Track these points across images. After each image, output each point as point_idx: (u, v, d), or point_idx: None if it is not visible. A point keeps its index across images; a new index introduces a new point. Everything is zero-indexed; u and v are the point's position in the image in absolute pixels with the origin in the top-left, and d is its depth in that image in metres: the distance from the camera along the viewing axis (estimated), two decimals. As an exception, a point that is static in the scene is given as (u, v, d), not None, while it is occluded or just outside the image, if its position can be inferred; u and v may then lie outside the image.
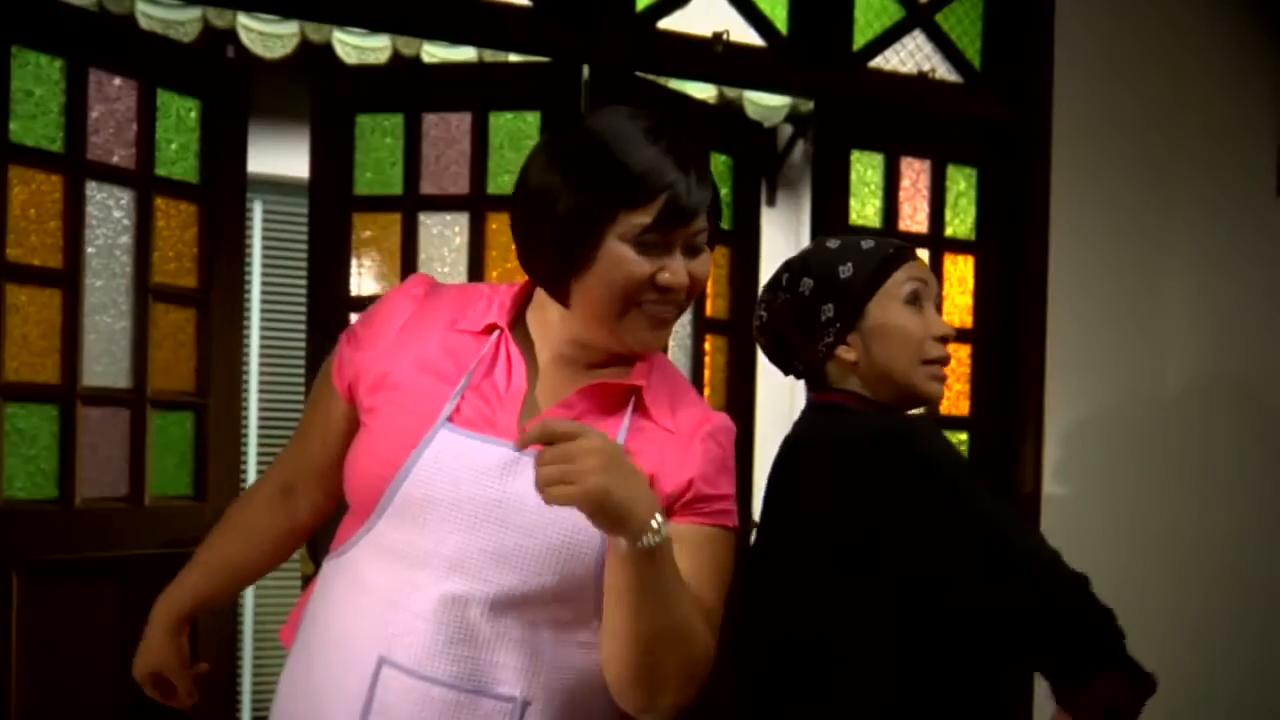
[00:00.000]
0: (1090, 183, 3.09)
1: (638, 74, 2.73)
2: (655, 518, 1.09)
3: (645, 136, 1.21)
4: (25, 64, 2.28)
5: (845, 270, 1.55)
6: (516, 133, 2.66)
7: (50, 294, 2.31)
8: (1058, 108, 3.08)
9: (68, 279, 2.33)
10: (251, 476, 4.57)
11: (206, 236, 2.57)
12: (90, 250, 2.39)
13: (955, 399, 3.08)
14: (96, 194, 2.41)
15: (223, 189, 2.61)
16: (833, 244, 1.60)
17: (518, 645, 1.22)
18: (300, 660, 1.32)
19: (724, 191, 2.98)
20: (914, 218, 3.04)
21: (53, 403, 2.31)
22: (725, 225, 2.95)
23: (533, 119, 2.66)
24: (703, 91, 3.61)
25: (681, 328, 2.85)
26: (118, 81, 2.42)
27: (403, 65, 3.70)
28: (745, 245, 2.96)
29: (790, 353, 1.61)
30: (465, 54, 3.70)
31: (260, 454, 4.52)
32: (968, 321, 3.08)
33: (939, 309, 1.59)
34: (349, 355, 1.33)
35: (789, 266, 1.61)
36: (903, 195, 3.03)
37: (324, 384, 1.37)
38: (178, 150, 2.54)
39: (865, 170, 2.98)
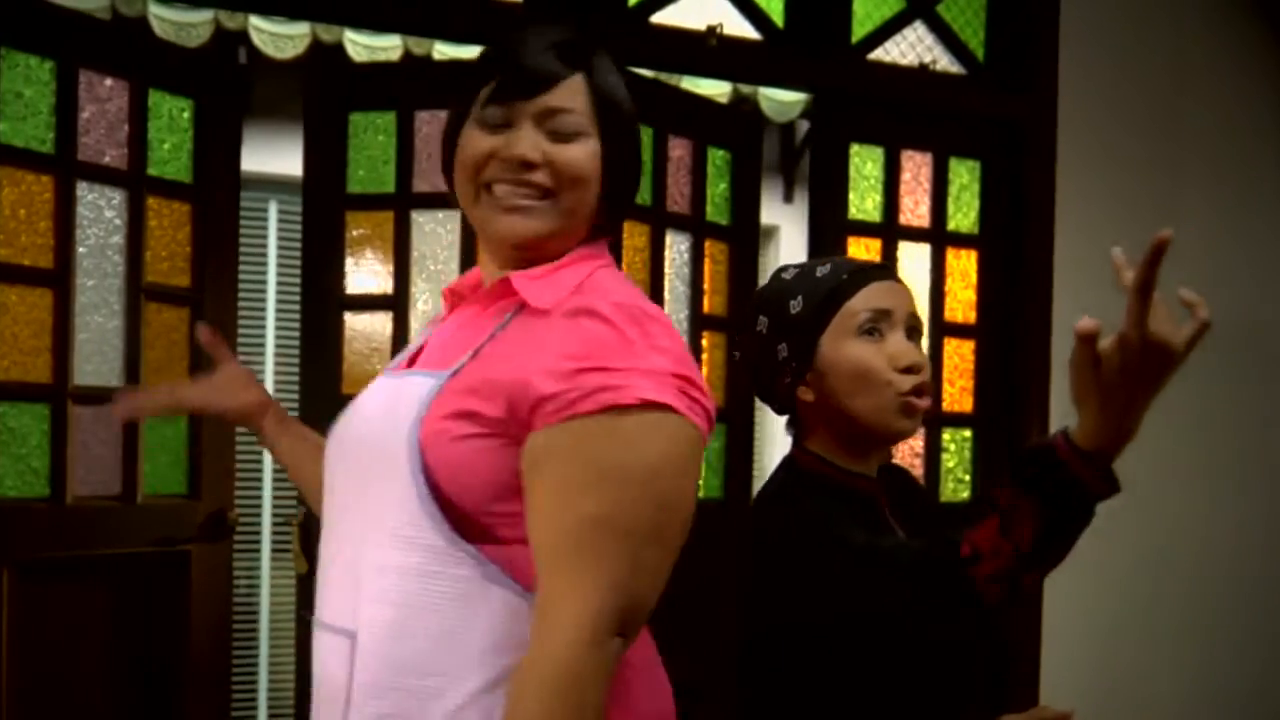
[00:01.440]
0: (1095, 176, 3.04)
1: (631, 69, 2.71)
2: None
3: (525, 31, 1.20)
4: (14, 65, 2.30)
5: (795, 305, 1.44)
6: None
7: (41, 294, 2.32)
8: (1063, 99, 3.03)
9: (58, 279, 2.35)
10: (268, 475, 4.60)
11: (200, 236, 2.58)
12: (82, 250, 2.40)
13: (959, 396, 3.04)
14: (88, 194, 2.42)
15: (216, 188, 2.61)
16: (788, 274, 1.48)
17: (344, 574, 1.15)
18: None
19: (721, 187, 2.96)
20: (915, 211, 3.00)
21: (44, 401, 2.32)
22: (723, 221, 2.92)
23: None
24: (716, 89, 3.58)
25: (678, 325, 2.83)
26: (109, 82, 2.43)
27: (395, 63, 3.69)
28: (744, 241, 2.94)
29: (764, 390, 1.51)
30: (390, 43, 3.68)
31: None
32: (971, 317, 3.04)
33: (917, 329, 1.45)
34: None
35: (753, 300, 1.52)
36: (904, 189, 2.99)
37: None
38: (171, 150, 2.55)
39: (865, 163, 2.94)
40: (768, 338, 1.45)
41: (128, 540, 2.43)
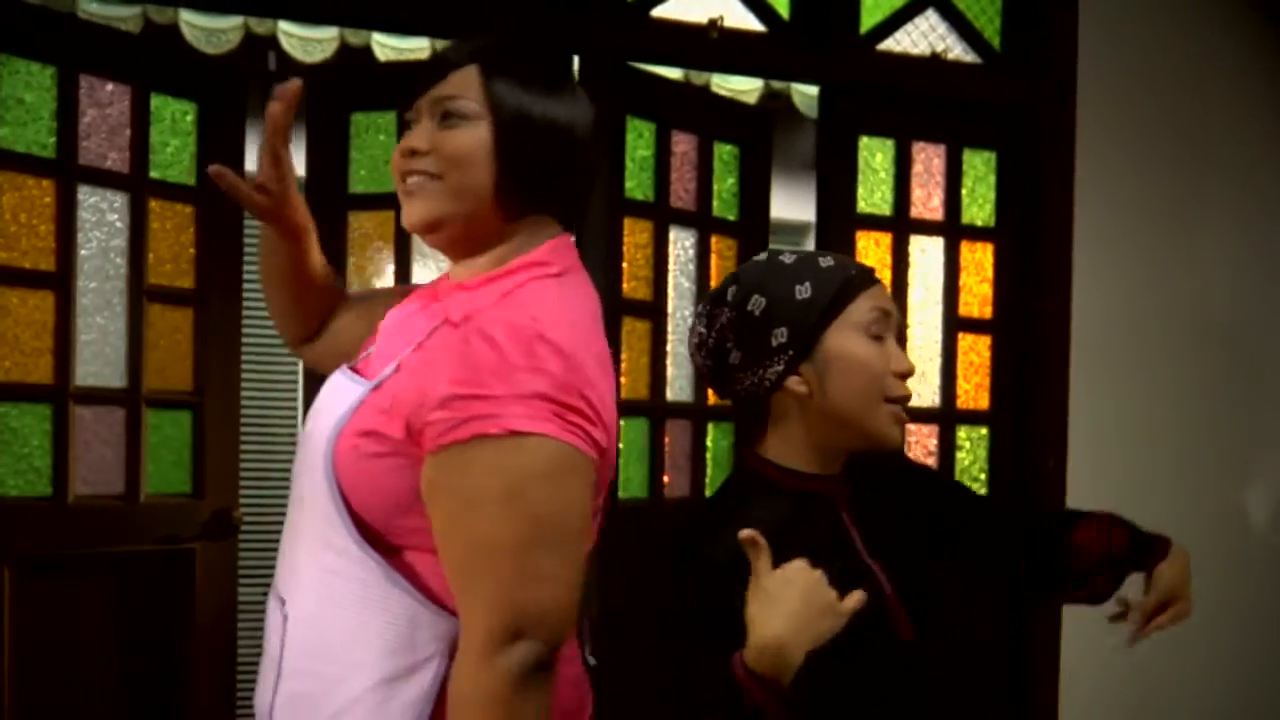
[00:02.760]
0: (1116, 166, 2.95)
1: (634, 64, 2.69)
2: None
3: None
4: (15, 72, 2.33)
5: (802, 290, 1.36)
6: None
7: (42, 296, 2.36)
8: (1082, 86, 2.94)
9: (60, 281, 2.38)
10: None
11: (204, 238, 2.61)
12: (85, 252, 2.43)
13: (974, 393, 2.97)
14: (90, 198, 2.45)
15: (221, 190, 2.63)
16: (788, 259, 1.41)
17: (290, 546, 1.24)
18: None
19: (729, 182, 2.92)
20: (928, 204, 2.94)
21: (46, 402, 2.36)
22: (731, 216, 2.89)
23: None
24: (748, 85, 3.54)
25: (682, 321, 2.80)
26: (110, 86, 2.46)
27: (395, 63, 3.70)
28: (753, 236, 2.90)
29: (731, 376, 1.42)
30: (417, 45, 3.68)
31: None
32: (987, 312, 2.97)
33: (901, 342, 1.45)
34: None
35: (737, 279, 1.42)
36: (915, 181, 2.92)
37: None
38: (174, 153, 2.58)
39: (874, 155, 2.89)
40: (760, 320, 1.37)
41: (131, 539, 2.46)
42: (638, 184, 2.73)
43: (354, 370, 1.28)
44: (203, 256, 2.61)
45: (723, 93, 3.51)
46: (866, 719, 1.37)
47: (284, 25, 3.68)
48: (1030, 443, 2.93)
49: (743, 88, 3.41)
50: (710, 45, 2.72)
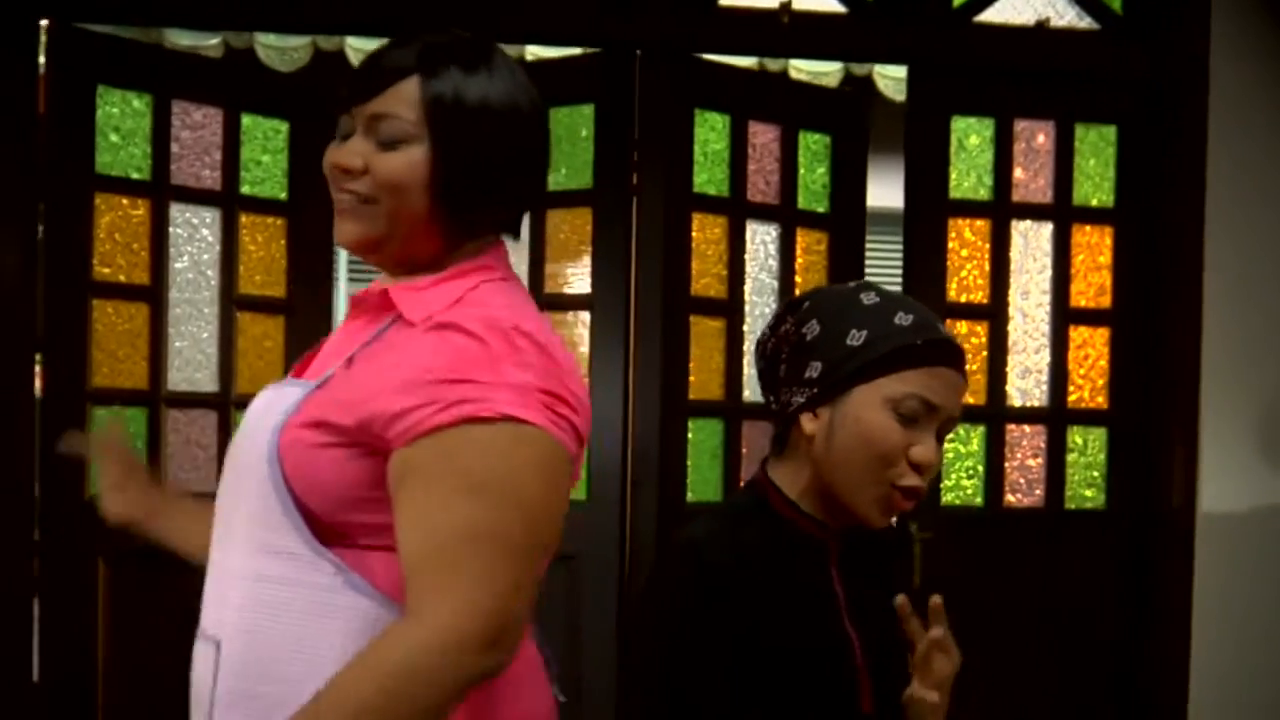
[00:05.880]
0: (1251, 141, 2.60)
1: (699, 55, 2.62)
2: None
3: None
4: (111, 101, 2.53)
5: (855, 338, 1.27)
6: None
7: (137, 307, 2.54)
8: (1215, 54, 2.62)
9: (153, 294, 2.56)
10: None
11: (294, 248, 2.73)
12: (179, 265, 2.60)
13: (1092, 391, 2.71)
14: (184, 214, 2.62)
15: (311, 203, 2.76)
16: (869, 299, 1.30)
17: (215, 582, 1.17)
18: None
19: (819, 172, 2.80)
20: (1031, 186, 2.70)
21: (140, 406, 2.54)
22: (821, 208, 2.76)
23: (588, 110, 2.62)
24: (829, 68, 3.39)
25: (761, 318, 2.70)
26: (202, 110, 2.63)
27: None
28: (847, 229, 2.76)
29: (774, 387, 1.36)
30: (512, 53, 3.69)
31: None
32: (1104, 301, 2.70)
33: (947, 431, 1.29)
34: None
35: (817, 295, 1.35)
36: (1016, 162, 2.69)
37: None
38: (266, 169, 2.72)
39: (967, 137, 2.68)
40: (807, 346, 1.30)
41: (221, 534, 2.60)
42: (709, 178, 2.65)
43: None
44: (293, 266, 2.74)
45: (799, 77, 3.36)
46: None
47: (351, 41, 3.81)
48: (1156, 447, 2.64)
49: (823, 70, 3.25)
50: (782, 31, 2.61)
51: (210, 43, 3.50)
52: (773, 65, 3.52)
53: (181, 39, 3.49)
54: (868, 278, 2.78)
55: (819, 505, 1.31)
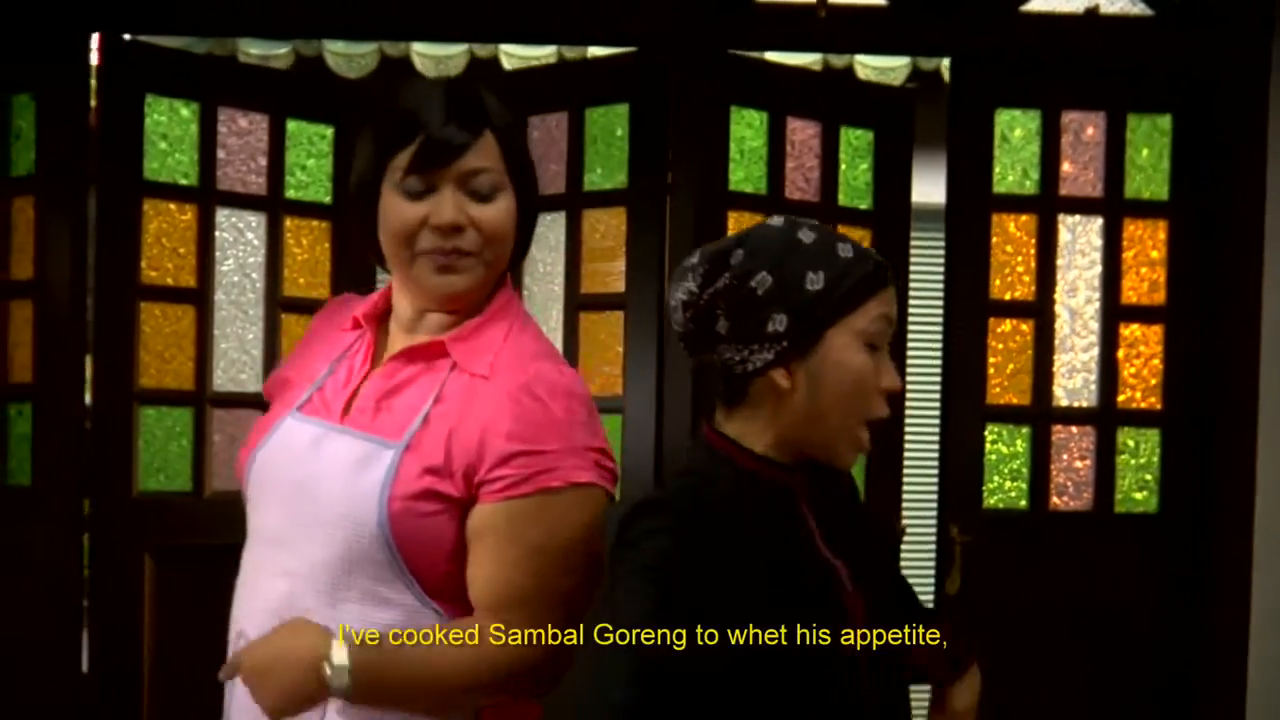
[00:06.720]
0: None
1: (738, 52, 2.59)
2: (325, 670, 1.18)
3: (416, 88, 1.29)
4: (159, 110, 2.60)
5: (814, 280, 1.22)
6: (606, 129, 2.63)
7: (183, 310, 2.61)
8: (1277, 41, 2.51)
9: (199, 297, 2.62)
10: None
11: (338, 251, 2.78)
12: (224, 268, 2.66)
13: (1144, 391, 2.61)
14: (229, 218, 2.68)
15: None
16: (806, 237, 1.25)
17: (323, 621, 1.23)
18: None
19: (862, 169, 2.75)
20: (1080, 179, 2.61)
21: (186, 406, 2.60)
22: (864, 205, 2.71)
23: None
24: (895, 63, 3.32)
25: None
26: (248, 117, 2.68)
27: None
28: (891, 226, 2.71)
29: (711, 345, 1.27)
30: (543, 53, 3.66)
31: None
32: (1158, 298, 2.61)
33: (898, 352, 1.31)
34: (273, 374, 1.48)
35: (742, 242, 1.27)
36: (1064, 154, 2.61)
37: None
38: (311, 173, 2.77)
39: (1012, 129, 2.61)
40: (762, 300, 1.23)
41: (265, 531, 2.66)
42: (746, 175, 2.62)
43: (308, 412, 1.30)
44: (336, 269, 2.78)
45: (866, 74, 3.29)
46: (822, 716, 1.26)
47: (417, 46, 3.83)
48: (1212, 450, 2.54)
49: (889, 65, 3.18)
50: (819, 25, 2.57)
51: (280, 52, 3.58)
52: (837, 62, 3.47)
53: (252, 48, 3.59)
54: (911, 275, 2.77)
55: (780, 450, 1.27)
